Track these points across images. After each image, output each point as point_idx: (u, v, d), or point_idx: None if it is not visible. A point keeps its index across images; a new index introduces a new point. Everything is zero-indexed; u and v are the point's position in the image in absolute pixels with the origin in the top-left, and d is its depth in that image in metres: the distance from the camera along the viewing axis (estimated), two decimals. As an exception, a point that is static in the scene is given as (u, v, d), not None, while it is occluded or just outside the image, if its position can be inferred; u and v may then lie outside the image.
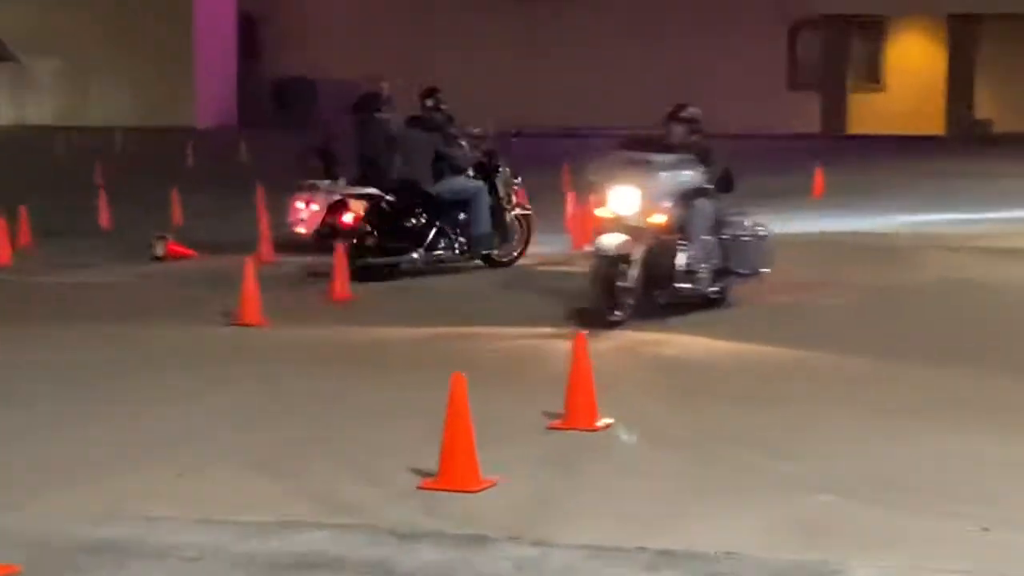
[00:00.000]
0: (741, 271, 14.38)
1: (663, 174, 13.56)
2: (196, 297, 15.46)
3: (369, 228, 16.89)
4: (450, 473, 8.08)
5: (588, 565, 6.75)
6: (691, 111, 14.25)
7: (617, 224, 13.34)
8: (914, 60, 50.53)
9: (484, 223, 17.37)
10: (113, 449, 9.01)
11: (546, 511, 7.71)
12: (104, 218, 22.18)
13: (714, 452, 8.95)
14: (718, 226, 14.11)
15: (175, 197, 23.39)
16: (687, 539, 7.12)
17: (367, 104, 19.78)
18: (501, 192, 17.80)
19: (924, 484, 8.23)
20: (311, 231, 18.76)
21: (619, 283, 13.04)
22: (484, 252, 17.58)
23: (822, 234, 20.74)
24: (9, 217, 18.90)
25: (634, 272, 13.16)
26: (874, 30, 50.84)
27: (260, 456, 8.85)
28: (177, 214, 22.82)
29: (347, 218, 17.10)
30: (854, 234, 20.85)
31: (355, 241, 16.63)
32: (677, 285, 13.56)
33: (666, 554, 6.88)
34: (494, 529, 7.29)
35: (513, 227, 18.04)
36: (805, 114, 49.37)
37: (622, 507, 7.80)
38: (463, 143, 18.02)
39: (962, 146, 42.26)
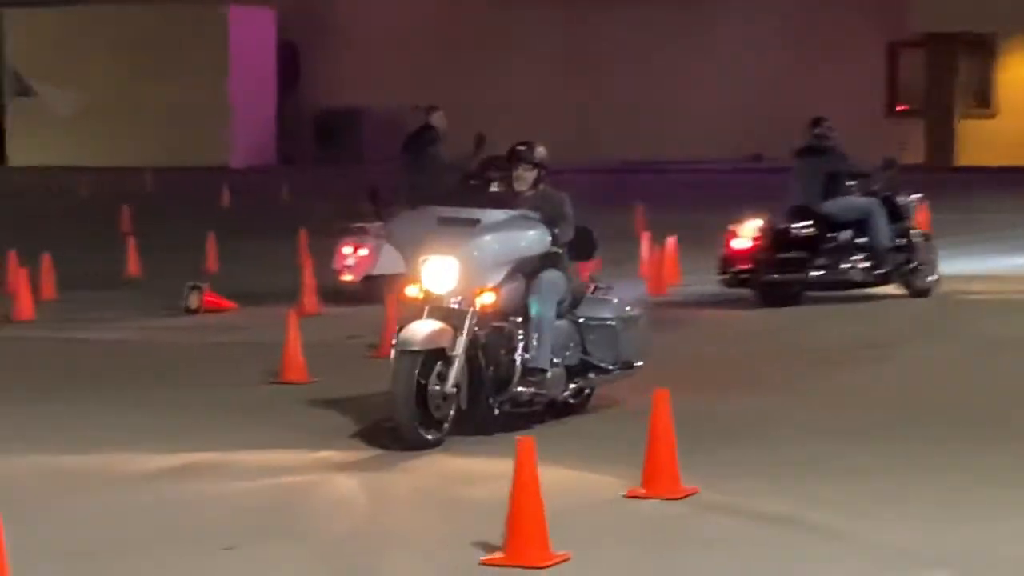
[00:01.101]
0: (606, 365, 12.01)
1: (489, 237, 11.20)
2: (234, 354, 15.56)
3: (765, 251, 18.24)
4: (517, 547, 8.09)
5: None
6: (538, 152, 11.97)
7: (431, 308, 11.03)
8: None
9: (884, 237, 18.35)
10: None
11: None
12: (133, 266, 22.36)
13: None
14: (574, 305, 11.85)
15: (210, 243, 23.57)
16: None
17: (419, 139, 19.83)
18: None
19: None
20: (359, 278, 18.87)
21: (433, 389, 10.70)
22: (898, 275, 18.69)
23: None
24: (31, 267, 19.08)
25: (454, 373, 10.77)
26: (983, 50, 50.52)
27: (301, 532, 8.91)
28: (212, 261, 22.96)
29: (740, 244, 18.41)
30: (964, 278, 20.58)
31: (753, 265, 18.11)
32: (518, 389, 11.19)
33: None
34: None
35: (923, 249, 19.21)
36: (907, 142, 48.93)
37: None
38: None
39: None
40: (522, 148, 11.94)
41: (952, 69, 50.18)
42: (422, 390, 10.56)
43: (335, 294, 18.92)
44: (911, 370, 14.46)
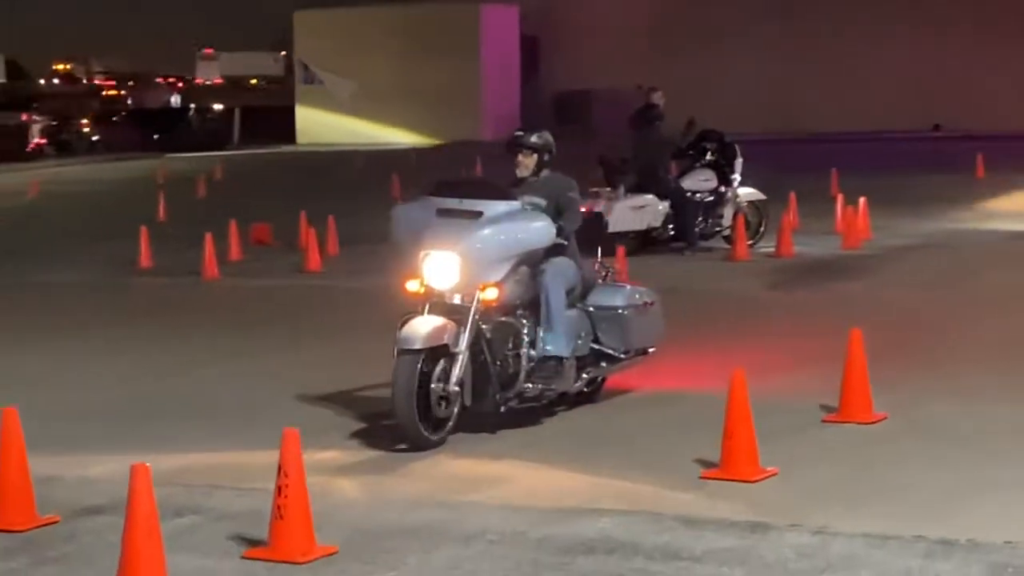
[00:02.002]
0: (617, 354, 10.15)
1: (491, 230, 9.25)
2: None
3: None
4: (731, 463, 8.07)
5: (867, 552, 6.66)
6: (540, 136, 9.95)
7: (432, 303, 9.19)
8: None
9: None
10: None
11: (824, 500, 7.63)
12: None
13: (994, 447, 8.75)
14: (584, 294, 10.04)
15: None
16: (965, 529, 6.97)
17: (644, 116, 19.81)
18: None
19: None
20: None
21: (436, 387, 8.94)
22: None
23: None
24: (318, 227, 19.48)
25: (458, 371, 8.98)
26: None
27: (549, 449, 8.97)
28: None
29: None
30: None
31: None
32: (525, 385, 9.38)
33: (944, 543, 6.74)
34: (775, 517, 7.24)
35: None
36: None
37: (900, 497, 7.68)
38: None
39: None
40: (520, 134, 9.95)
41: None
42: (424, 389, 8.84)
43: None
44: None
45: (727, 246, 19.08)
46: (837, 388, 9.47)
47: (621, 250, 16.02)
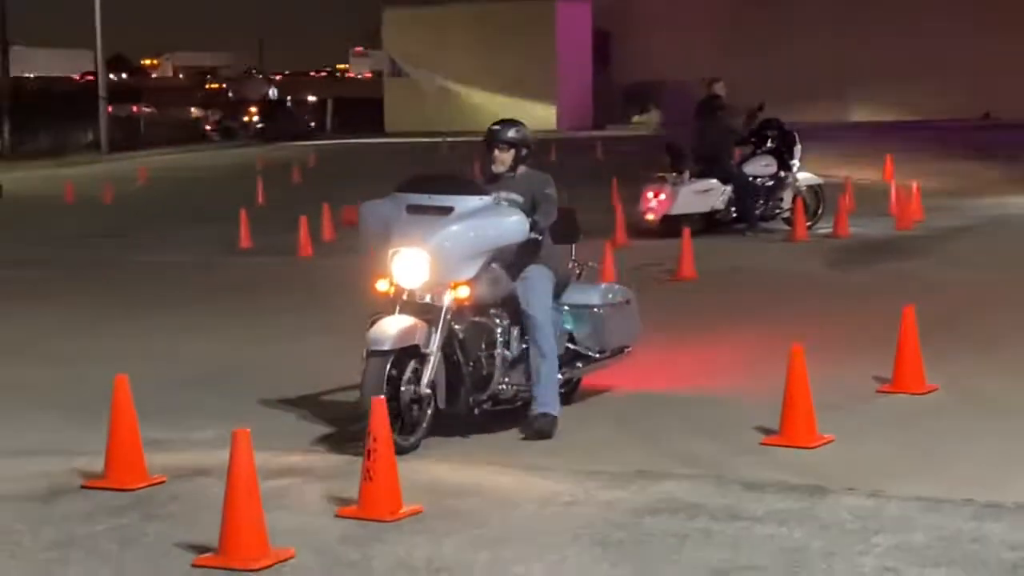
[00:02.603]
0: (592, 353, 9.21)
1: (461, 227, 8.26)
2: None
3: None
4: (790, 430, 8.03)
5: (919, 515, 6.59)
6: (517, 131, 8.89)
7: (403, 302, 8.28)
8: None
9: None
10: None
11: (879, 466, 7.57)
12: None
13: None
14: (559, 292, 8.97)
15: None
16: (1013, 494, 6.89)
17: (708, 105, 19.73)
18: None
19: None
20: (659, 217, 18.97)
21: (407, 389, 8.05)
22: None
23: None
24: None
25: (429, 373, 8.12)
26: None
27: (618, 416, 8.96)
28: (543, 205, 23.15)
29: None
30: None
31: None
32: (499, 386, 8.49)
33: (993, 506, 6.67)
34: (832, 481, 7.19)
35: None
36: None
37: (951, 464, 7.61)
38: None
39: None
40: (496, 128, 8.91)
41: None
42: (395, 391, 7.96)
43: (640, 230, 18.92)
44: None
45: (787, 227, 18.97)
46: (891, 361, 9.38)
47: (687, 231, 15.97)
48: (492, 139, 8.85)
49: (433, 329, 8.13)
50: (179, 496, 7.20)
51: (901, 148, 29.56)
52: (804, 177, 19.63)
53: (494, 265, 8.44)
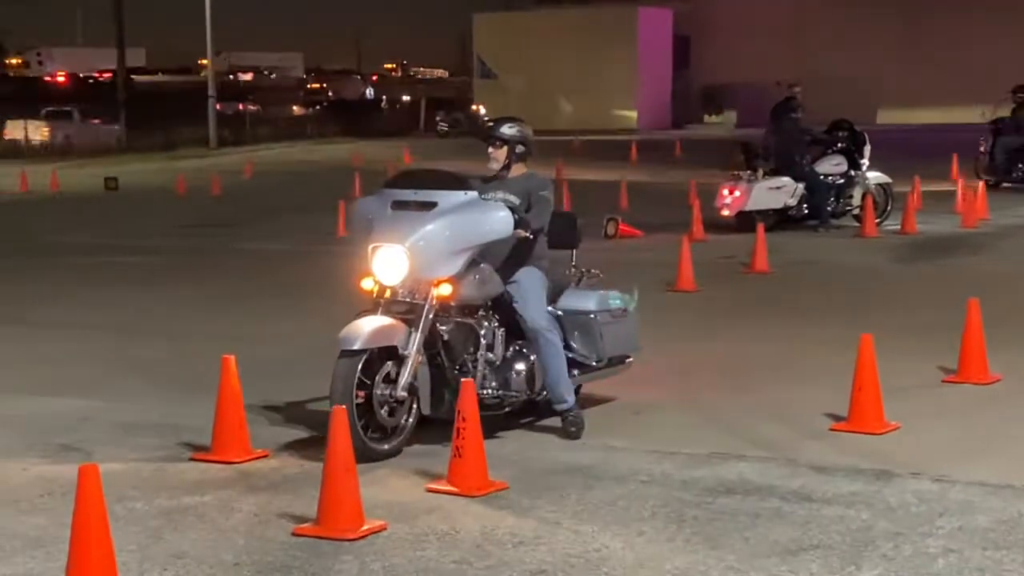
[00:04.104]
0: (589, 362, 8.35)
1: (440, 223, 7.53)
2: (641, 269, 15.63)
3: None
4: (859, 417, 7.95)
5: (982, 499, 6.51)
6: (511, 127, 8.19)
7: (387, 302, 7.57)
8: None
9: None
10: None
11: (943, 452, 7.48)
12: (566, 204, 22.66)
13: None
14: (553, 297, 8.25)
15: (623, 185, 23.76)
16: (1073, 480, 6.79)
17: (784, 107, 19.61)
18: None
19: None
20: (734, 213, 18.89)
21: (381, 393, 7.35)
22: None
23: None
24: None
25: (407, 375, 7.38)
26: None
27: (694, 400, 8.92)
28: (624, 199, 23.14)
29: None
30: None
31: None
32: (483, 391, 7.72)
33: (1053, 492, 6.58)
34: (898, 466, 7.12)
35: None
36: None
37: (1013, 451, 7.50)
38: None
39: None
40: (490, 125, 8.29)
41: None
42: (366, 396, 7.28)
43: (716, 225, 18.83)
44: None
45: (857, 224, 18.81)
46: (956, 351, 9.27)
47: (761, 227, 15.91)
48: (486, 135, 8.19)
49: (413, 330, 7.40)
50: (280, 470, 7.28)
51: (967, 149, 29.14)
52: (873, 176, 19.46)
53: (483, 264, 7.76)
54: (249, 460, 7.40)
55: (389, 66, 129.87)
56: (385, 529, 6.17)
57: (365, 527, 6.11)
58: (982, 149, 24.86)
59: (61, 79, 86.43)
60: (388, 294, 7.59)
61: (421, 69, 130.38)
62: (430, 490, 6.79)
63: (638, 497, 6.67)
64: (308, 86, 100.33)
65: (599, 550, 5.88)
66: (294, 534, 6.13)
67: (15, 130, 51.35)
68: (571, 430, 7.91)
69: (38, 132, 50.83)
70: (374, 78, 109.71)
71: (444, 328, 7.61)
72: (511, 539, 6.05)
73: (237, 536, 6.15)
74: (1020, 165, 23.95)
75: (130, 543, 6.00)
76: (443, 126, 54.82)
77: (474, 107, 58.99)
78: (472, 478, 6.74)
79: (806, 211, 19.15)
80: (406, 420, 7.49)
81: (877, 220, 18.71)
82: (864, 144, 19.40)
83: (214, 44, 52.99)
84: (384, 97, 77.58)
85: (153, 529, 6.26)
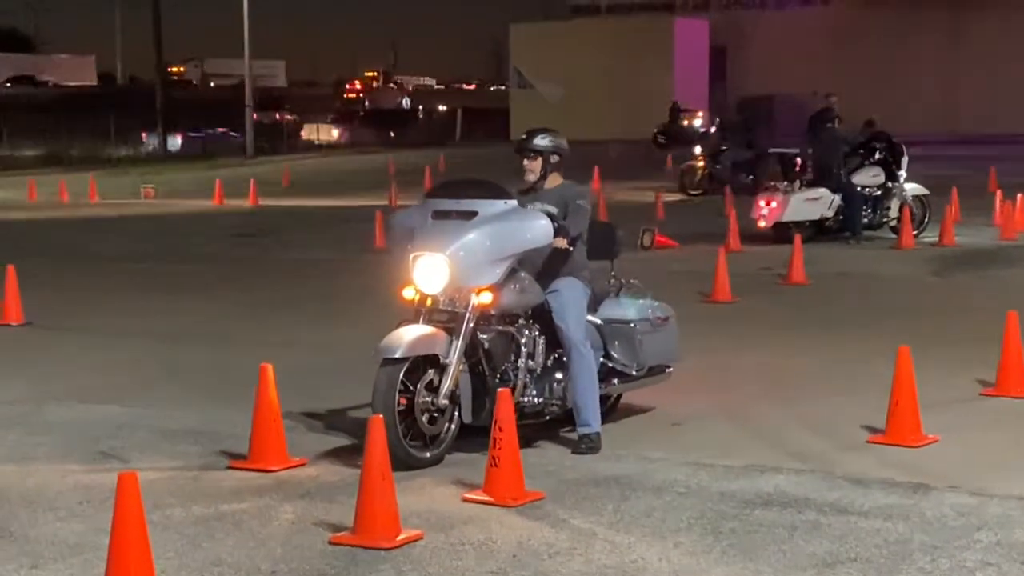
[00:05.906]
0: (629, 371, 8.37)
1: (481, 232, 7.54)
2: (677, 279, 15.60)
3: None
4: (896, 430, 7.90)
5: (1021, 514, 6.45)
6: (544, 138, 8.15)
7: (428, 310, 7.62)
8: None
9: None
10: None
11: (982, 466, 7.43)
12: (603, 214, 22.66)
13: None
14: (593, 306, 8.23)
15: (658, 197, 23.73)
16: (1113, 495, 6.72)
17: (821, 118, 19.59)
18: None
19: None
20: (770, 224, 18.83)
21: (421, 401, 7.38)
22: None
23: None
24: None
25: (448, 383, 7.42)
26: None
27: (731, 411, 8.89)
28: (660, 210, 23.12)
29: None
30: None
31: None
32: (524, 399, 7.80)
33: (1093, 507, 6.52)
34: (935, 479, 7.07)
35: None
36: None
37: (1052, 465, 7.45)
38: None
39: None
40: (523, 137, 8.22)
41: None
42: (408, 405, 7.31)
43: (752, 236, 18.78)
44: None
45: (894, 236, 18.72)
46: (995, 364, 9.21)
47: (798, 237, 15.85)
48: (520, 147, 8.16)
49: (454, 338, 7.44)
50: (317, 477, 7.29)
51: (1007, 160, 28.99)
52: (911, 188, 19.38)
53: (522, 274, 7.78)
54: (287, 468, 7.42)
55: (370, 73, 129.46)
56: (421, 538, 6.17)
57: (402, 536, 6.12)
58: None
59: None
60: (429, 303, 7.61)
61: (420, 79, 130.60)
62: (466, 499, 6.79)
63: (674, 508, 6.66)
64: (344, 96, 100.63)
65: (635, 561, 5.87)
66: (331, 543, 6.14)
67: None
68: (581, 448, 7.79)
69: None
70: (410, 88, 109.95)
71: (485, 336, 7.64)
72: (547, 549, 6.04)
73: (274, 544, 6.16)
74: None
75: (168, 551, 6.02)
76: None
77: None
78: (508, 488, 6.74)
79: (841, 222, 19.09)
80: (447, 429, 7.52)
81: (915, 232, 18.63)
82: (902, 156, 19.33)
83: (208, 51, 53.17)
84: (420, 107, 77.75)
85: (190, 537, 6.28)
